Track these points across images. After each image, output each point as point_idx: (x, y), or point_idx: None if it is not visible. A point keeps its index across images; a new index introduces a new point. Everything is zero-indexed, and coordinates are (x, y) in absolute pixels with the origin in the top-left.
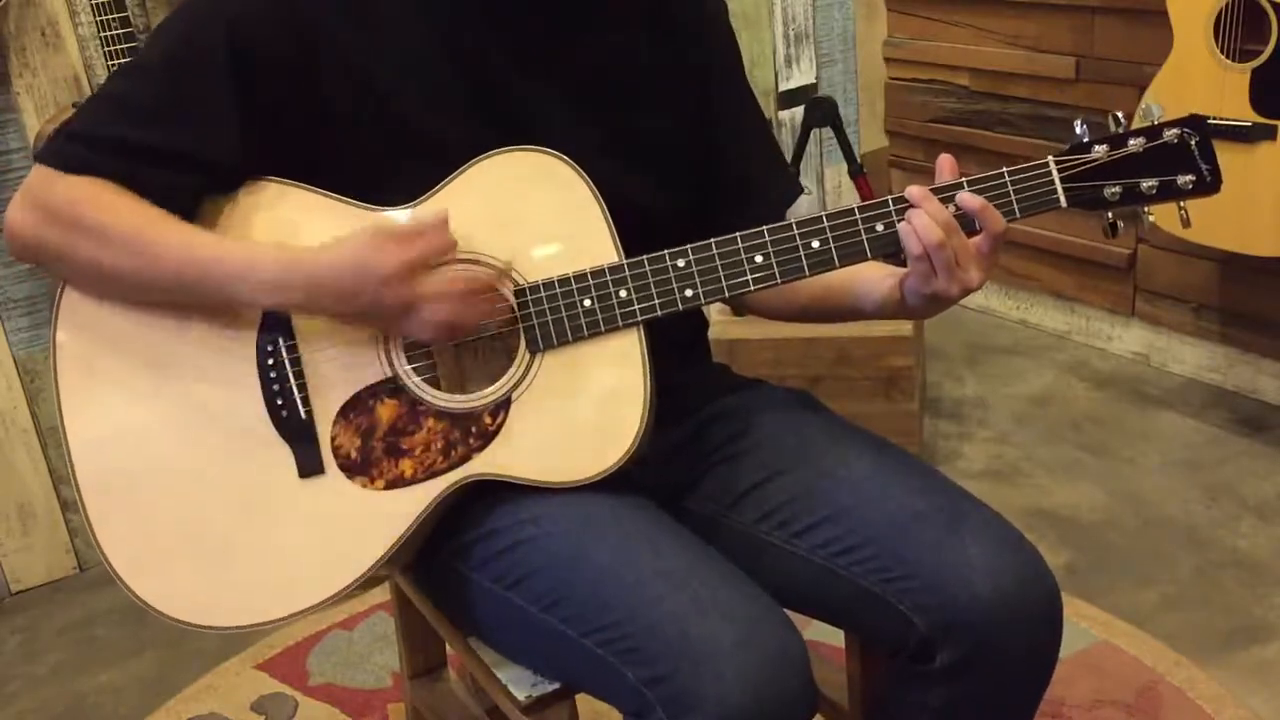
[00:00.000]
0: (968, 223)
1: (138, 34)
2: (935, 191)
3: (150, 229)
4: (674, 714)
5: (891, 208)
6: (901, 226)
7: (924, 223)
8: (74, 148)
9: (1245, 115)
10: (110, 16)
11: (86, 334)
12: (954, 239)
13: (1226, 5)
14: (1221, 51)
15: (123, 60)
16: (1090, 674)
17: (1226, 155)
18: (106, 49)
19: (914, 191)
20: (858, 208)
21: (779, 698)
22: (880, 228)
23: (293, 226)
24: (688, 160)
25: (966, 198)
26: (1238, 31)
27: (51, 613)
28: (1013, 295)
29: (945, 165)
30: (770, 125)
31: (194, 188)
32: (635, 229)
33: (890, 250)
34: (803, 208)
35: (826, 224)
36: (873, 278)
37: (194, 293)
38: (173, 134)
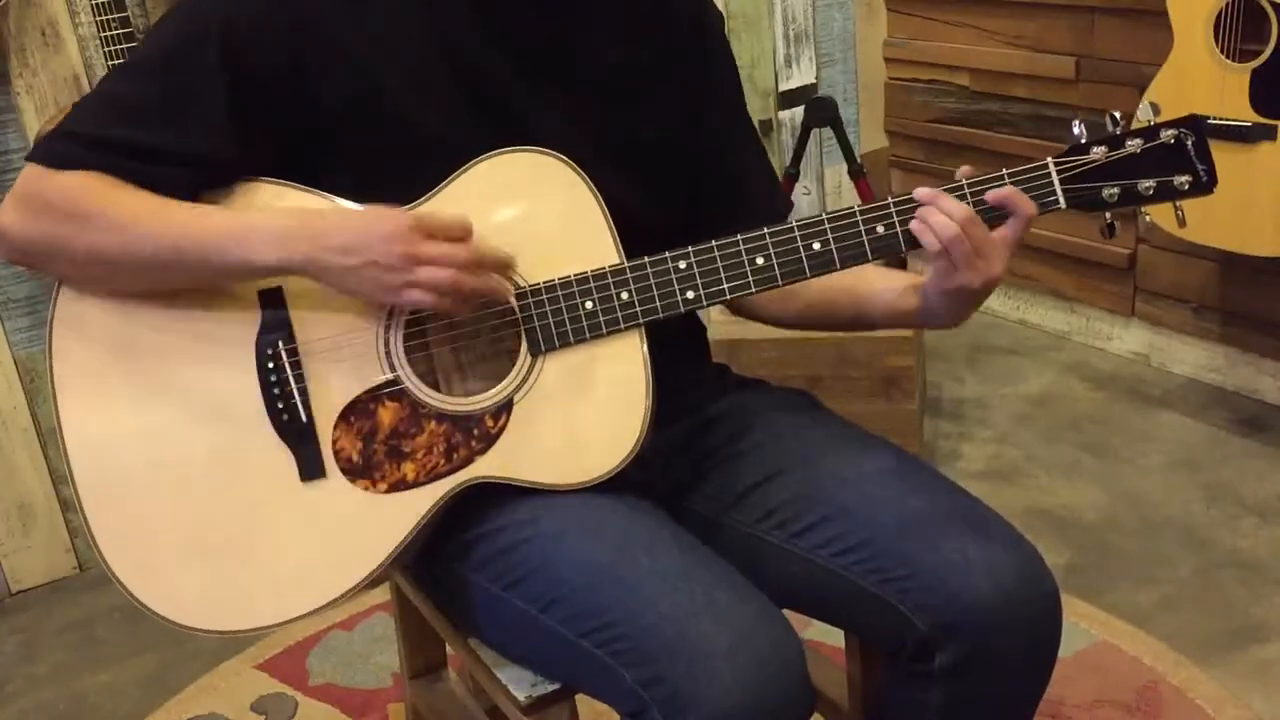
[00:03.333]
0: (992, 217)
1: (138, 34)
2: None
3: (146, 209)
4: (670, 714)
5: (893, 210)
6: (914, 224)
7: (939, 219)
8: (66, 145)
9: (1245, 115)
10: (110, 16)
11: (83, 335)
12: (973, 230)
13: (1226, 5)
14: (1221, 51)
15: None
16: (1090, 674)
17: (1226, 155)
18: (106, 49)
19: (923, 192)
20: (859, 209)
21: (775, 698)
22: (881, 229)
23: None
24: (682, 167)
25: (993, 194)
26: (1238, 31)
27: (51, 613)
28: (1013, 295)
29: (962, 175)
30: (761, 139)
31: (188, 181)
32: (627, 234)
33: (891, 252)
34: (803, 208)
35: (828, 225)
36: (885, 285)
37: (194, 262)
38: (165, 133)
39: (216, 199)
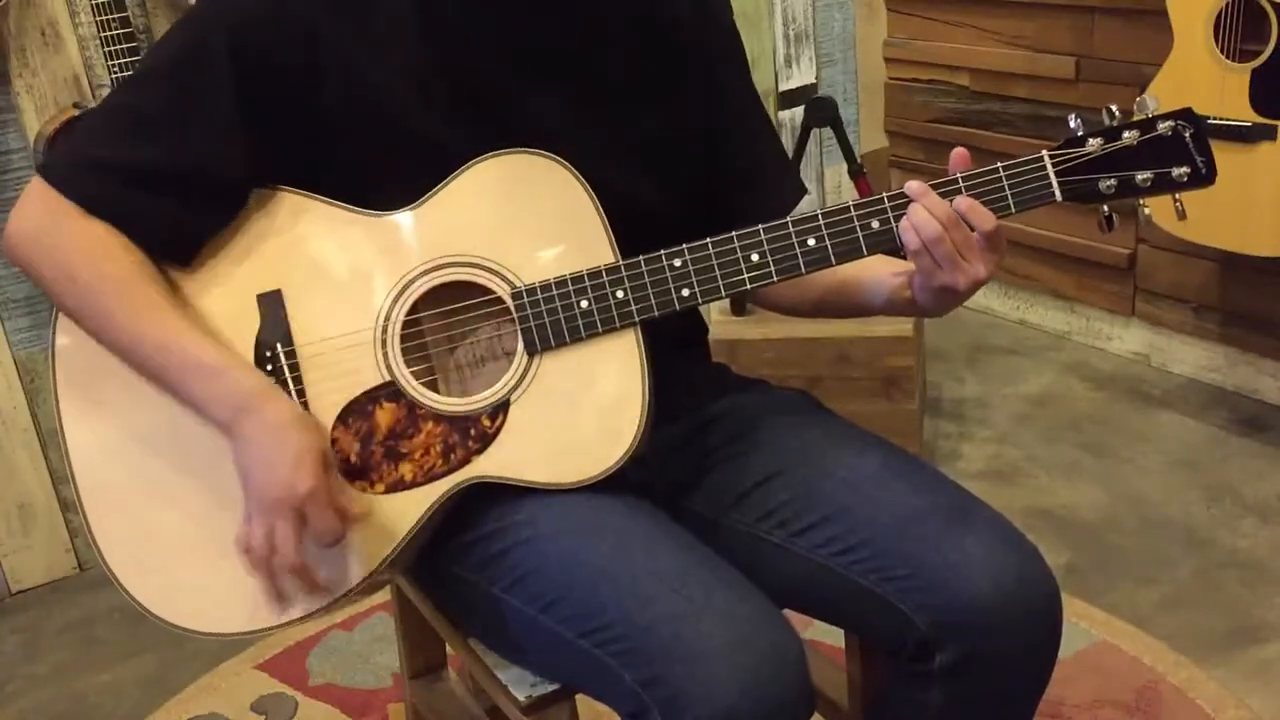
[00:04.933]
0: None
1: (138, 34)
2: (935, 187)
3: (139, 306)
4: (670, 714)
5: (887, 205)
6: (900, 222)
7: (921, 217)
8: (82, 175)
9: (1245, 115)
10: (110, 17)
11: (85, 338)
12: (954, 232)
13: (1226, 5)
14: (1221, 51)
15: (123, 61)
16: (1090, 674)
17: (1226, 155)
18: (106, 49)
19: (913, 186)
20: (853, 204)
21: (774, 698)
22: (876, 224)
23: (296, 234)
24: (690, 160)
25: (958, 201)
26: (1238, 31)
27: (51, 613)
28: (1013, 295)
29: (956, 159)
30: (774, 126)
31: (199, 224)
32: (639, 230)
33: (888, 247)
34: (802, 209)
35: (822, 221)
36: (882, 274)
37: (159, 370)
38: (179, 150)
39: (237, 220)
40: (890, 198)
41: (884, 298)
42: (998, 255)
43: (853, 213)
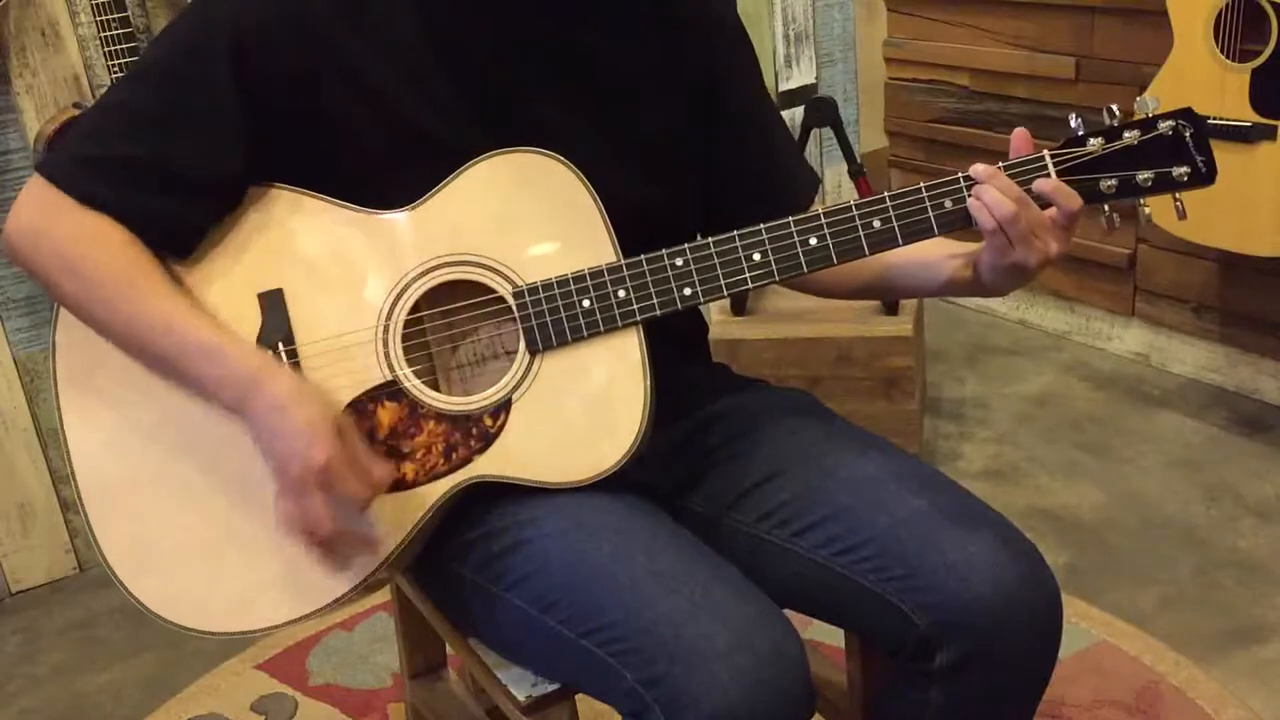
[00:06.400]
0: (1040, 203)
1: (138, 34)
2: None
3: (139, 292)
4: (670, 714)
5: (889, 205)
6: (971, 203)
7: (994, 197)
8: (81, 171)
9: (1245, 115)
10: (110, 17)
11: (86, 337)
12: (1027, 211)
13: (1226, 5)
14: (1221, 51)
15: (123, 61)
16: (1090, 674)
17: (1226, 155)
18: (106, 49)
19: (980, 169)
20: (855, 204)
21: (775, 698)
22: (877, 224)
23: (297, 232)
24: (691, 159)
25: (1040, 183)
26: (1238, 31)
27: (51, 613)
28: (1013, 295)
29: (1018, 138)
30: (785, 124)
31: (198, 217)
32: (639, 229)
33: (891, 247)
34: None
35: (824, 220)
36: (939, 255)
37: (161, 355)
38: (177, 146)
39: (237, 218)
40: (891, 197)
41: (943, 279)
42: (1070, 233)
43: (854, 212)
